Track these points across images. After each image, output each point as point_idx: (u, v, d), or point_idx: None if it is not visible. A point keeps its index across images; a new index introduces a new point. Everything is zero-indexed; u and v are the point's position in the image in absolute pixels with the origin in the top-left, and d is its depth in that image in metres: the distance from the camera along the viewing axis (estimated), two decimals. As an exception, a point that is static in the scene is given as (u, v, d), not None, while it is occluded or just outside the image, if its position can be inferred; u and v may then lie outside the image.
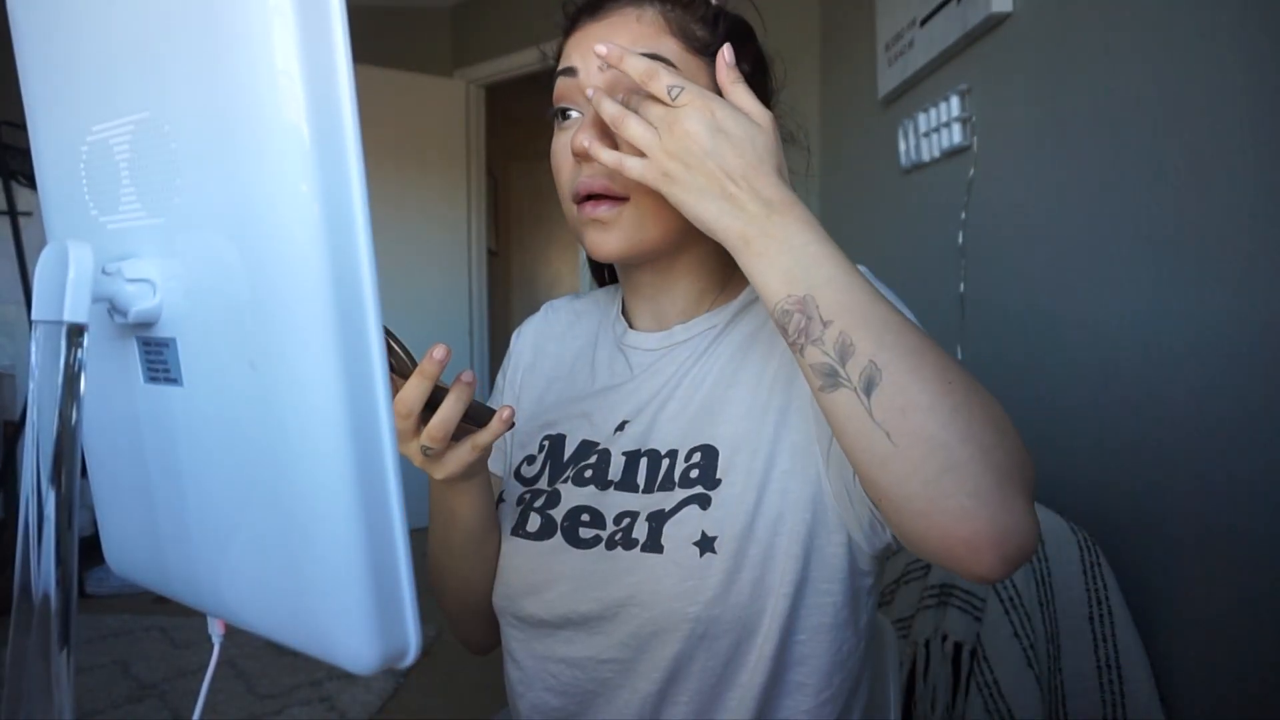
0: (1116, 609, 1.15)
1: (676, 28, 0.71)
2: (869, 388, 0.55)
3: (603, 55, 0.62)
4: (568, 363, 0.87)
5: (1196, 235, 1.08)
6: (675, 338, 0.79)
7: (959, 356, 1.74)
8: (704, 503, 0.69)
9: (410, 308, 3.76)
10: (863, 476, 0.57)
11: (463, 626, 0.87)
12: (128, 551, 0.55)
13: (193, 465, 0.47)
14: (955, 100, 1.74)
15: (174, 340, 0.45)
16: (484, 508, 0.76)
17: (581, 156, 0.70)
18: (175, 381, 0.45)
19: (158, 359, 0.46)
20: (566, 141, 0.72)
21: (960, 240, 1.75)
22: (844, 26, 2.52)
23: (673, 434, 0.74)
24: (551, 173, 0.75)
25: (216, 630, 0.56)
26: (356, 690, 2.20)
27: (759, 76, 0.78)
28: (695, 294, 0.79)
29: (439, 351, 0.60)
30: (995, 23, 1.59)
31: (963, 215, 1.74)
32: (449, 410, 0.63)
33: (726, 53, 0.64)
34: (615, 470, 0.75)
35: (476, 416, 0.66)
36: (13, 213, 3.02)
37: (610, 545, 0.72)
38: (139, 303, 0.44)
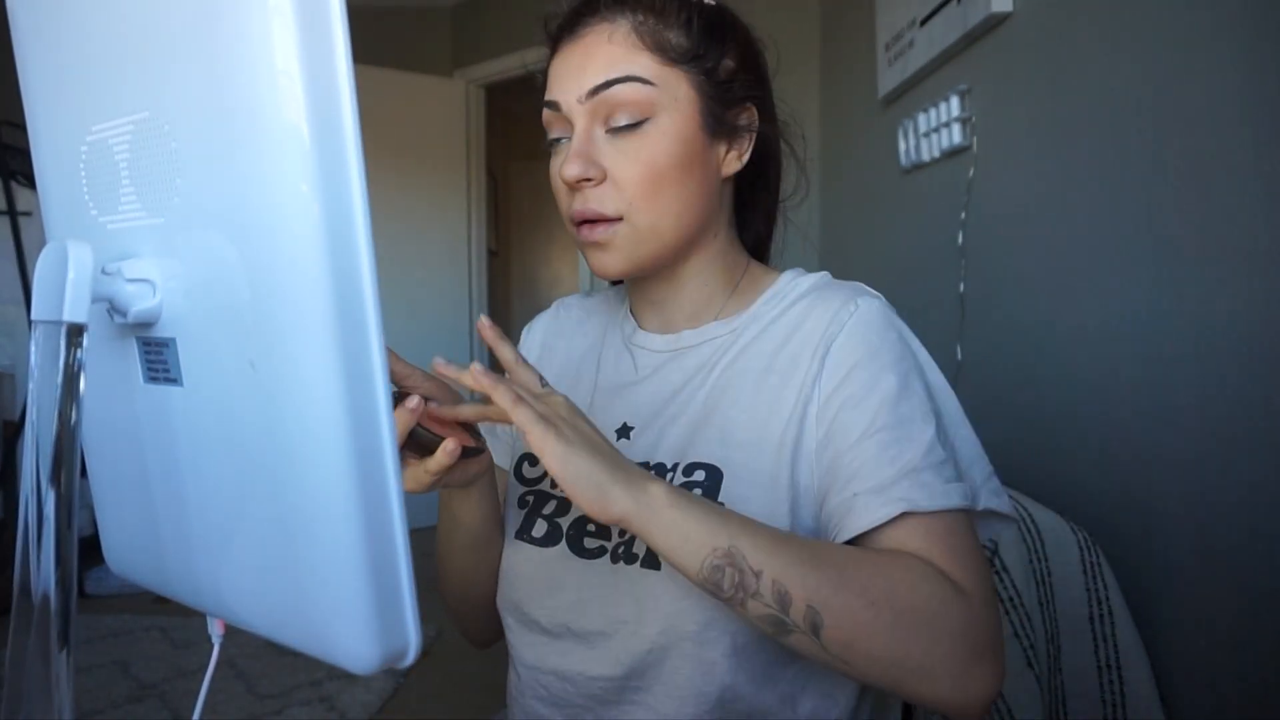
0: (1116, 609, 1.15)
1: (650, 41, 0.71)
2: (815, 630, 0.58)
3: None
4: (575, 361, 0.87)
5: (1196, 235, 1.08)
6: (684, 342, 0.79)
7: (959, 357, 1.74)
8: None
9: (410, 308, 3.76)
10: None
11: (464, 619, 0.87)
12: (127, 551, 0.55)
13: (193, 465, 0.47)
14: (955, 100, 1.74)
15: (174, 340, 0.45)
16: (486, 513, 0.76)
17: (571, 186, 0.71)
18: (175, 381, 0.45)
19: (157, 359, 0.46)
20: (559, 166, 0.73)
21: (960, 240, 1.75)
22: (844, 26, 2.53)
23: (680, 449, 0.74)
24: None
25: (216, 630, 0.56)
26: (356, 690, 2.20)
27: (745, 73, 0.76)
28: (703, 299, 0.79)
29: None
30: (995, 23, 1.59)
31: (963, 215, 1.74)
32: None
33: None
34: None
35: (424, 443, 0.61)
36: (13, 213, 3.02)
37: (614, 558, 0.72)
38: (139, 303, 0.44)
